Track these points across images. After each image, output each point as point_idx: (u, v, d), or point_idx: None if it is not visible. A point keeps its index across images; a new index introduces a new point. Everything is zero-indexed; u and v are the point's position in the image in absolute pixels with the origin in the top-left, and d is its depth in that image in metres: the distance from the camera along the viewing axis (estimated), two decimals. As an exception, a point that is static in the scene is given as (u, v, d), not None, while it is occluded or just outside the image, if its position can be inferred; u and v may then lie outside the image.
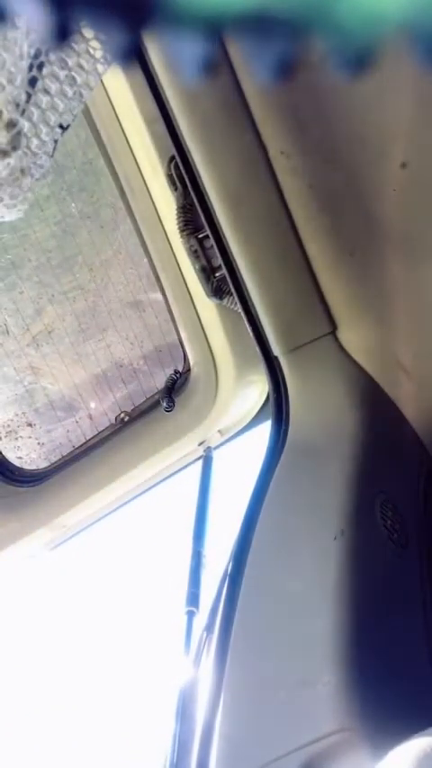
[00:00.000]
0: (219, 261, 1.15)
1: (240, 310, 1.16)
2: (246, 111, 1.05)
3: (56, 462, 1.46)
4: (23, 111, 0.56)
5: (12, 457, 1.44)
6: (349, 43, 0.18)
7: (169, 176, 1.16)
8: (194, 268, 1.22)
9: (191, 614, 0.90)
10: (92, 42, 0.59)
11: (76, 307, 1.39)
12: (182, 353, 1.41)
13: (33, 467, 1.46)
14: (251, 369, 1.35)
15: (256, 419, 1.54)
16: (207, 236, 1.16)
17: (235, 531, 1.01)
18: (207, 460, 1.36)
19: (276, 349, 1.17)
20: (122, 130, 1.17)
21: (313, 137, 1.06)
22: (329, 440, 1.13)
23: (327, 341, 1.19)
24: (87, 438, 1.46)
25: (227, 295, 1.23)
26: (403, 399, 1.25)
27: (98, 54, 0.60)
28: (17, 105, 0.54)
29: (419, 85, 0.97)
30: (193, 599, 0.92)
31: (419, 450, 1.27)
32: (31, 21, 0.18)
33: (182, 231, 1.19)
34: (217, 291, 1.23)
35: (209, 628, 0.90)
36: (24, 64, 0.53)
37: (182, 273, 1.28)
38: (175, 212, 1.18)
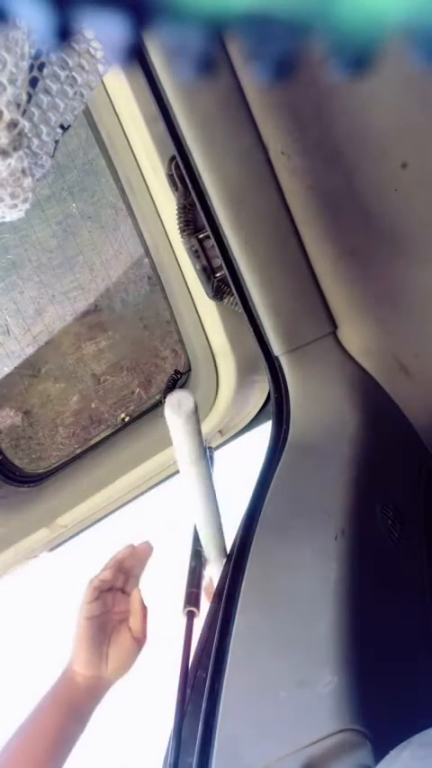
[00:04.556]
0: (219, 261, 1.15)
1: (241, 310, 1.16)
2: (246, 111, 1.06)
3: (56, 462, 1.46)
4: (24, 112, 0.56)
5: (12, 457, 1.44)
6: (349, 43, 0.18)
7: (170, 176, 1.16)
8: (195, 268, 1.22)
9: (191, 614, 0.90)
10: (93, 42, 0.59)
11: (77, 307, 1.39)
12: (182, 353, 1.41)
13: (33, 467, 1.46)
14: (252, 369, 1.36)
15: (257, 419, 1.54)
16: (208, 237, 1.16)
17: (235, 530, 1.01)
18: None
19: (277, 349, 1.17)
20: (123, 130, 1.17)
21: (314, 137, 1.06)
22: (330, 440, 1.13)
23: (327, 341, 1.19)
24: (87, 438, 1.47)
25: (227, 295, 1.23)
26: (404, 399, 1.25)
27: (99, 54, 0.60)
28: (18, 106, 0.54)
29: (420, 85, 0.97)
30: (194, 599, 0.92)
31: (420, 449, 1.27)
32: (31, 21, 0.18)
33: (182, 231, 1.19)
34: (217, 292, 1.23)
35: (209, 627, 0.90)
36: (25, 64, 0.53)
37: (182, 274, 1.28)
38: (176, 212, 1.18)
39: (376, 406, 1.21)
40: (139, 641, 0.98)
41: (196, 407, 0.75)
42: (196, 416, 0.75)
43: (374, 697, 0.74)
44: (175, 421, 0.74)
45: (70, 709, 0.89)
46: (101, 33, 0.18)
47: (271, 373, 1.19)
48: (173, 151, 1.08)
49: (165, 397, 1.35)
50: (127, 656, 0.96)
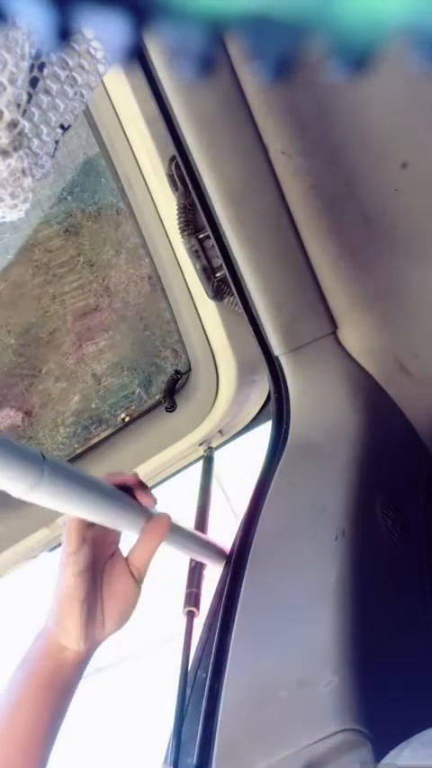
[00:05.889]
0: (219, 261, 1.15)
1: (241, 310, 1.16)
2: (246, 111, 1.06)
3: (56, 462, 1.45)
4: (24, 112, 0.56)
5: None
6: (349, 43, 0.18)
7: (170, 176, 1.16)
8: (195, 268, 1.22)
9: (191, 614, 0.90)
10: (93, 42, 0.59)
11: (77, 307, 1.39)
12: (182, 353, 1.41)
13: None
14: (252, 369, 1.35)
15: (257, 419, 1.54)
16: (208, 237, 1.16)
17: (235, 530, 1.01)
18: (208, 461, 1.36)
19: (277, 349, 1.17)
20: (123, 130, 1.17)
21: (314, 137, 1.06)
22: (330, 440, 1.13)
23: (328, 341, 1.19)
24: (88, 438, 1.47)
25: (228, 295, 1.23)
26: (404, 399, 1.25)
27: (99, 54, 0.60)
28: (18, 106, 0.54)
29: (420, 85, 0.97)
30: (194, 599, 0.92)
31: (420, 449, 1.27)
32: (31, 21, 0.18)
33: (182, 231, 1.19)
34: (217, 292, 1.23)
35: (209, 627, 0.90)
36: (26, 64, 0.53)
37: (182, 273, 1.28)
38: (176, 212, 1.18)
39: (376, 406, 1.21)
40: (139, 573, 0.77)
41: None
42: None
43: (374, 697, 0.74)
44: None
45: (62, 689, 0.71)
46: (101, 33, 0.18)
47: (271, 373, 1.20)
48: (173, 151, 1.08)
49: (166, 398, 1.35)
50: (125, 607, 0.75)
